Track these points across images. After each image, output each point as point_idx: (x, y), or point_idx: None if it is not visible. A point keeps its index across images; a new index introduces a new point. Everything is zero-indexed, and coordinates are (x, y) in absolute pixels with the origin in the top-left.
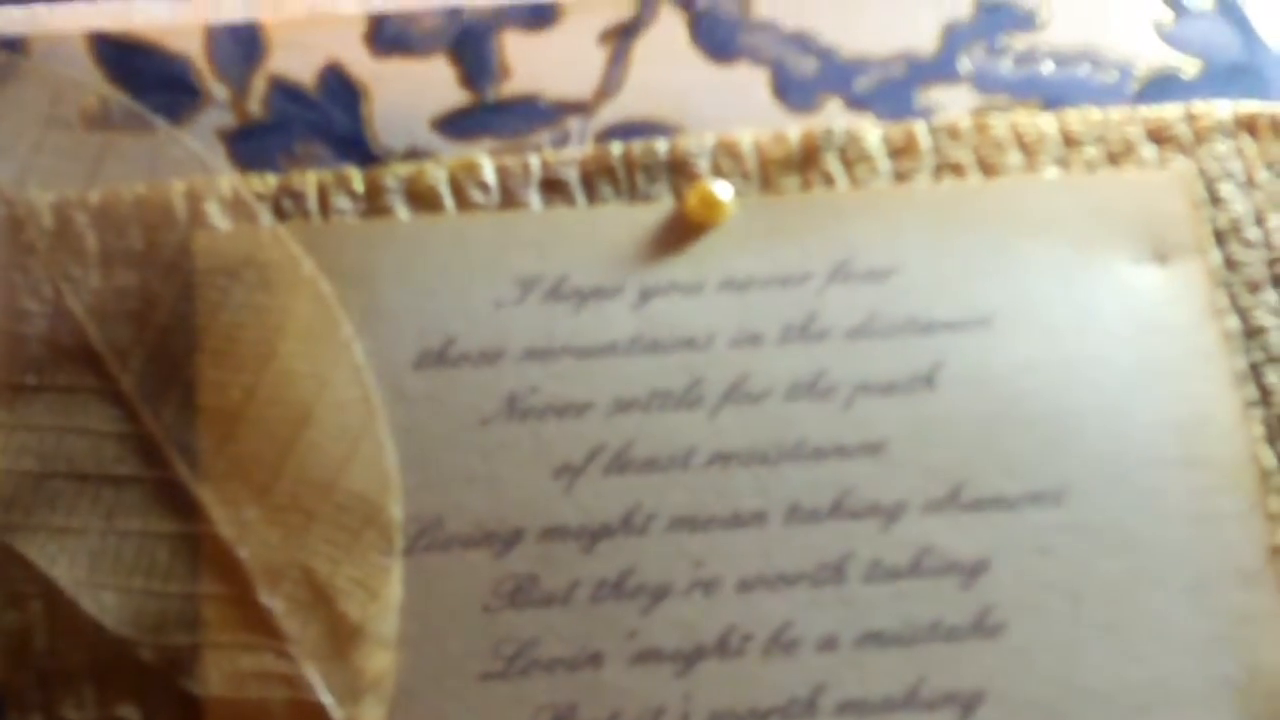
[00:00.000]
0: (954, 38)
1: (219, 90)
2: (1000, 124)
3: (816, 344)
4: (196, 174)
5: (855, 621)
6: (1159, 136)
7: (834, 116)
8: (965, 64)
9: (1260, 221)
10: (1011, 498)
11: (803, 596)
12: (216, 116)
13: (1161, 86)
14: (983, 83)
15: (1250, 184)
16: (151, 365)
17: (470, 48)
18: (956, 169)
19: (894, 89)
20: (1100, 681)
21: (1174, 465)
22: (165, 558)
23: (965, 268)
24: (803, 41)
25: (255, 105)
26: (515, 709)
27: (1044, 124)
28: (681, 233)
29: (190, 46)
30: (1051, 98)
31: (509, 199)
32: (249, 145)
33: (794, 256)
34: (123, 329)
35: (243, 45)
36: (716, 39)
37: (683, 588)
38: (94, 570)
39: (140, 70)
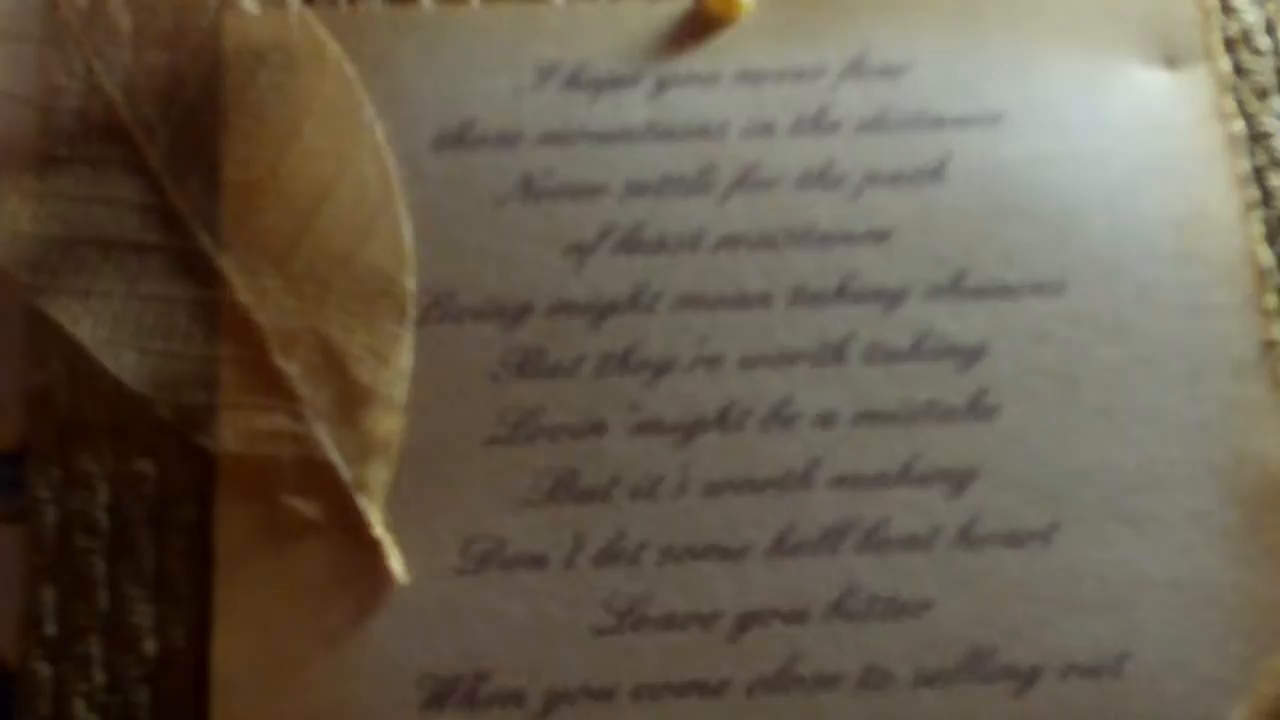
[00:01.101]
0: None
1: None
2: None
3: (828, 135)
4: None
5: (853, 400)
6: None
7: None
8: None
9: (1271, 30)
10: (1012, 286)
11: (803, 374)
12: None
13: None
14: None
15: None
16: (178, 140)
17: None
18: None
19: None
20: (1091, 463)
21: (1172, 260)
22: (184, 321)
23: (977, 66)
24: None
25: None
26: (518, 472)
27: None
28: (700, 27)
29: None
30: None
31: None
32: None
33: (809, 52)
34: (151, 105)
35: None
36: None
37: (686, 363)
38: (116, 331)
39: None
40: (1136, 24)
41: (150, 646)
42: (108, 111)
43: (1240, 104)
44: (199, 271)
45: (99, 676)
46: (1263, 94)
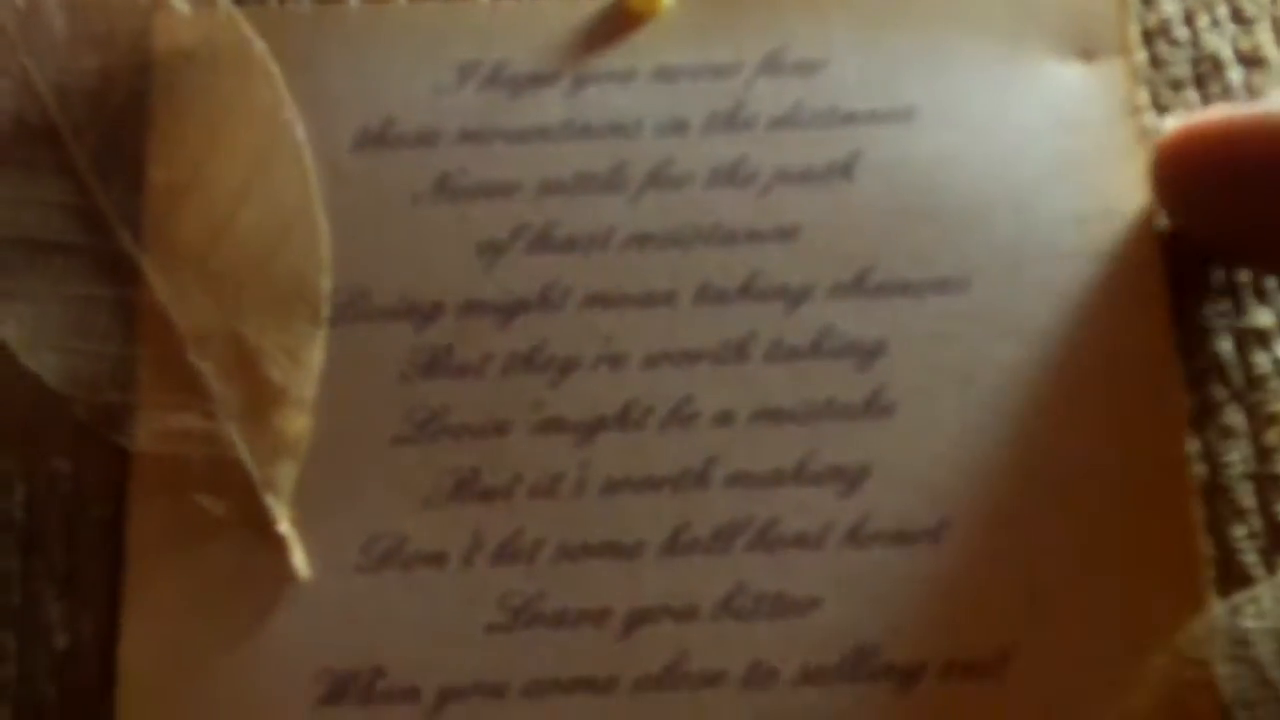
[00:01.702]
0: None
1: None
2: None
3: (740, 133)
4: None
5: (752, 398)
6: None
7: None
8: None
9: (1189, 22)
10: (915, 284)
11: (704, 373)
12: None
13: None
14: None
15: None
16: (106, 142)
17: None
18: None
19: None
20: (983, 461)
21: (1075, 257)
22: (105, 321)
23: (893, 62)
24: None
25: None
26: (422, 471)
27: None
28: (620, 24)
29: None
30: None
31: None
32: None
33: (727, 48)
34: (82, 107)
35: None
36: None
37: (590, 361)
38: (38, 332)
39: None
40: (1053, 17)
41: (60, 641)
42: (40, 113)
43: (1154, 97)
44: (121, 272)
45: (9, 670)
46: (1178, 86)
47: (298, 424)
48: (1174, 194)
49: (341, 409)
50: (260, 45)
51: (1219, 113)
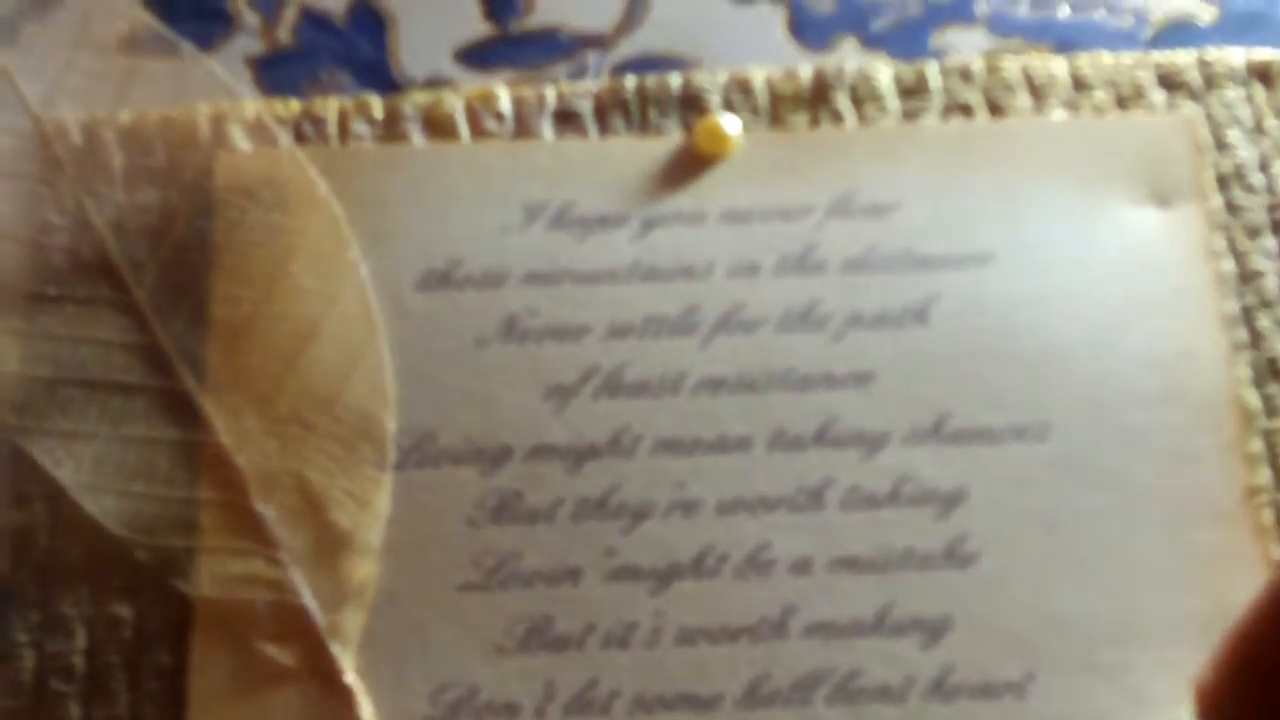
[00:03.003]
0: None
1: (250, 18)
2: (1011, 66)
3: (812, 276)
4: (222, 99)
5: (830, 546)
6: (1169, 82)
7: (848, 55)
8: (982, 6)
9: (1265, 168)
10: (993, 430)
11: (780, 520)
12: (246, 44)
13: (1176, 32)
14: (998, 25)
15: (1258, 130)
16: (166, 279)
17: None
18: (965, 109)
19: (910, 30)
20: (1069, 613)
21: (1156, 403)
22: (166, 464)
23: (966, 205)
24: None
25: (284, 33)
26: (492, 619)
27: (1054, 67)
28: (688, 165)
29: None
30: (1065, 42)
31: (523, 129)
32: (276, 72)
33: (796, 190)
34: (141, 244)
35: None
36: None
37: (663, 508)
38: (98, 474)
39: None
40: (1127, 161)
41: None
42: (98, 249)
43: (1231, 242)
44: (182, 413)
45: None
46: (1254, 232)
47: (364, 570)
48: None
49: (409, 555)
50: (323, 184)
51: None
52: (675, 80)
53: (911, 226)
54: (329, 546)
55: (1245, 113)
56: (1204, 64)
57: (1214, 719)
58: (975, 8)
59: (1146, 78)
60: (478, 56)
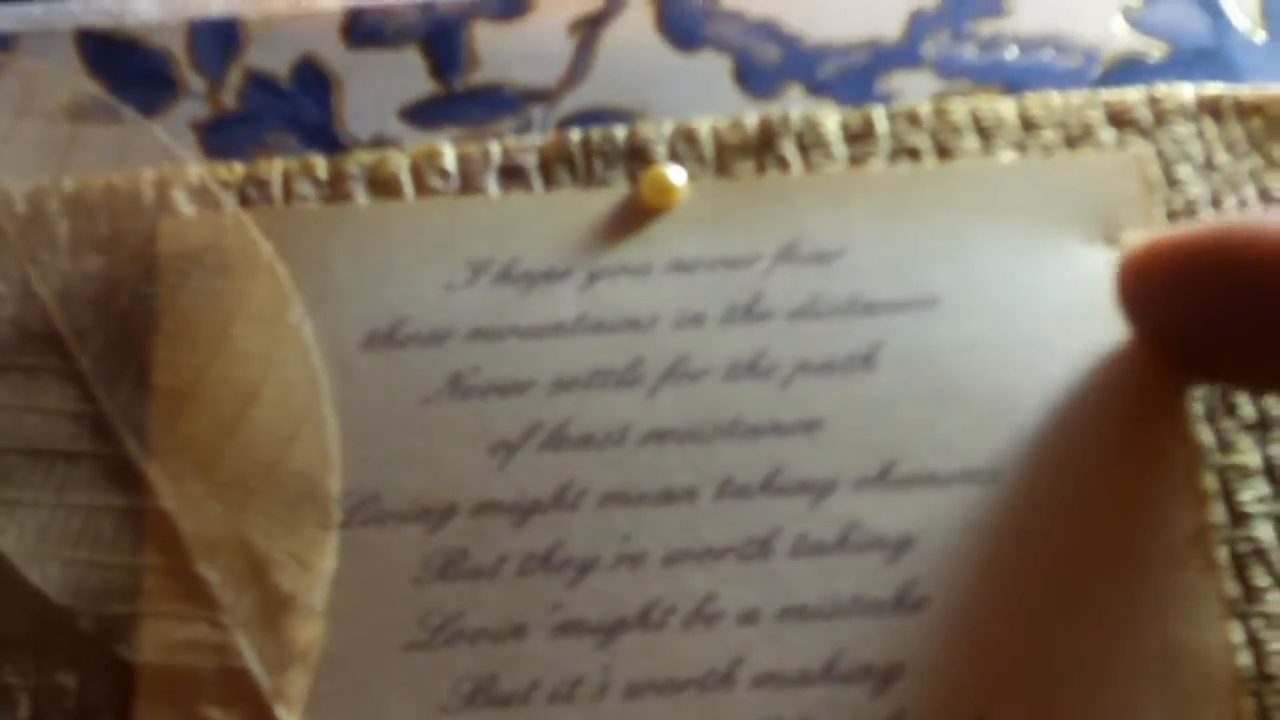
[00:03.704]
0: (919, 24)
1: (196, 83)
2: (959, 109)
3: (759, 324)
4: (166, 164)
5: (778, 595)
6: (1119, 120)
7: (794, 103)
8: (929, 50)
9: (1216, 203)
10: (942, 475)
11: (728, 571)
12: (192, 108)
13: (1126, 70)
14: (945, 68)
15: (1209, 166)
16: (110, 347)
17: (441, 39)
18: (913, 153)
19: (856, 76)
20: (1020, 656)
21: (1108, 445)
22: (110, 530)
23: (913, 249)
24: (768, 29)
25: (230, 97)
26: (437, 678)
27: (1003, 108)
28: (634, 217)
29: (173, 42)
30: (1014, 83)
31: (468, 185)
32: (222, 136)
33: (743, 239)
34: (86, 312)
35: (222, 39)
36: (683, 28)
37: (609, 562)
38: (41, 542)
39: (123, 65)
40: (1077, 200)
41: None
42: (42, 319)
43: None
44: (126, 478)
45: None
46: None
47: (308, 632)
48: (1138, 313)
49: (354, 615)
50: (267, 246)
51: (1180, 229)
52: (620, 132)
53: (858, 272)
54: (273, 609)
55: (1196, 148)
56: (1154, 100)
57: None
58: (922, 51)
59: (1096, 116)
60: (423, 115)
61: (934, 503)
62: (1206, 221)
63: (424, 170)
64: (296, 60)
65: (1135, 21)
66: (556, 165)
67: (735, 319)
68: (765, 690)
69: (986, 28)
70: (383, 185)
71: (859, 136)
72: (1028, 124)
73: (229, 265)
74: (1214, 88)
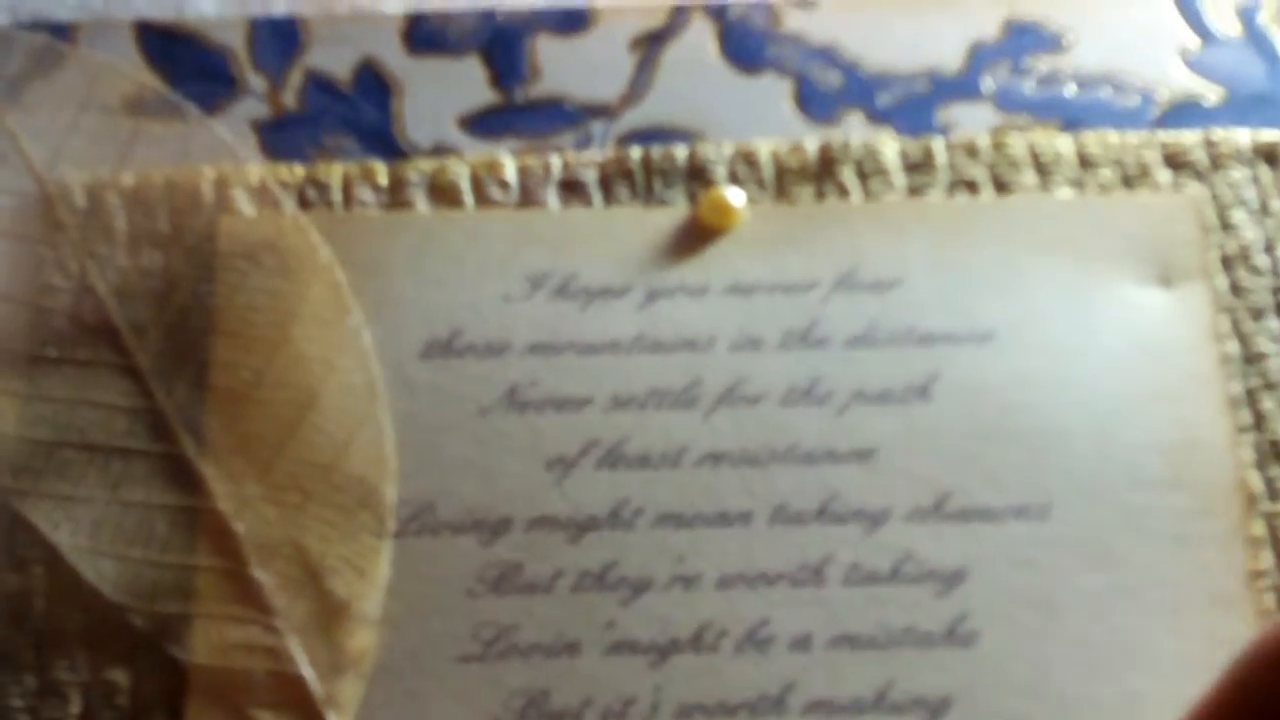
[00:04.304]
0: (979, 56)
1: (256, 82)
2: (1018, 143)
3: (816, 351)
4: (226, 162)
5: (830, 623)
6: (1175, 162)
7: (854, 129)
8: (988, 83)
9: (1270, 249)
10: (995, 510)
11: (781, 596)
12: (252, 107)
13: (1182, 112)
14: (1004, 102)
15: (1263, 211)
16: (168, 344)
17: (502, 49)
18: (971, 186)
19: (916, 105)
20: (1069, 694)
21: (1159, 486)
22: (164, 529)
23: (970, 282)
24: (829, 55)
25: (290, 97)
26: (489, 691)
27: (1061, 145)
28: (693, 237)
29: (233, 39)
30: (1072, 119)
31: (528, 198)
32: (281, 136)
33: (801, 264)
34: (143, 308)
35: (282, 39)
36: (745, 50)
37: (663, 582)
38: (95, 538)
39: (182, 60)
40: (1132, 241)
41: None
42: (99, 313)
43: (1235, 324)
44: (181, 478)
45: None
46: (1259, 314)
47: (362, 639)
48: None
49: (407, 625)
50: (326, 250)
51: None
52: (681, 151)
53: (915, 303)
54: (327, 615)
55: (1251, 193)
56: (1210, 144)
57: None
58: (982, 84)
59: (1152, 157)
60: (483, 124)
61: (986, 537)
62: None
63: (484, 180)
64: (357, 63)
65: (1193, 64)
66: (617, 181)
67: (792, 344)
68: (817, 717)
69: (1045, 63)
70: (443, 194)
71: (918, 166)
72: (1085, 161)
73: (288, 267)
74: (1270, 134)
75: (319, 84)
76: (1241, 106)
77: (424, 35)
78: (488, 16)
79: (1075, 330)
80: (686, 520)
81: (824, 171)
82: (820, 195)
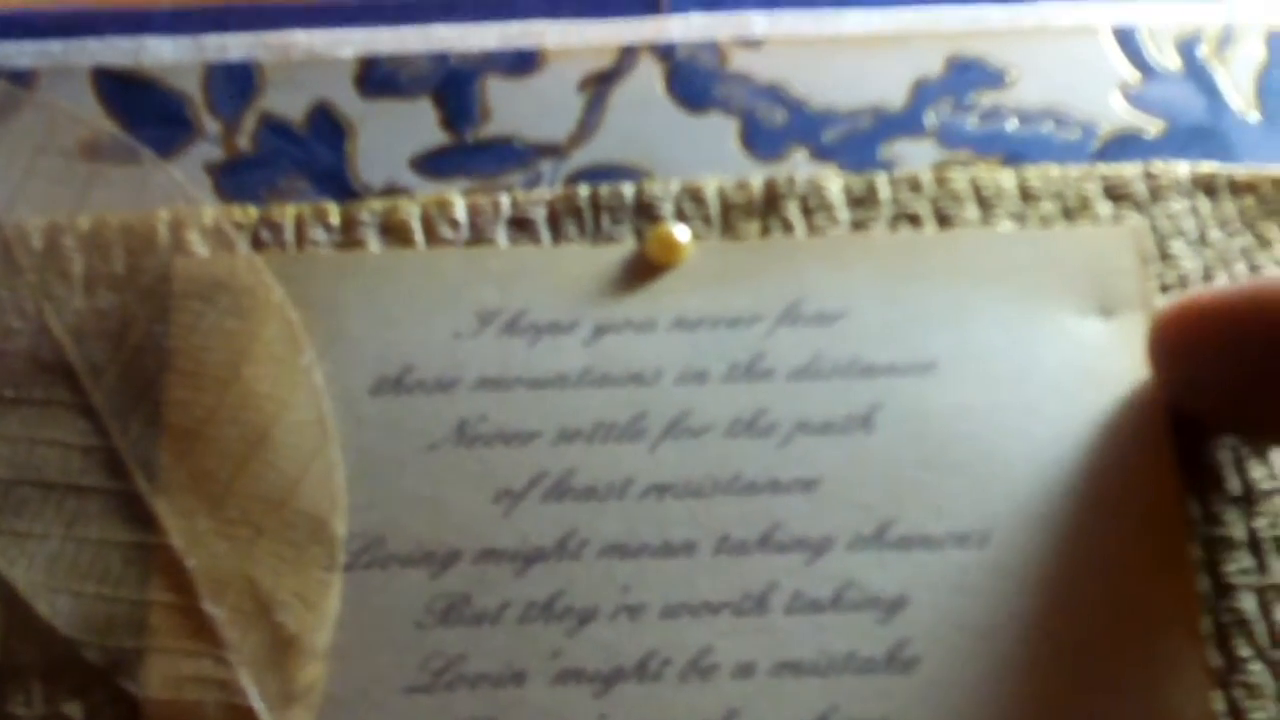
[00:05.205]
0: (923, 93)
1: (211, 125)
2: (960, 178)
3: (760, 383)
4: (181, 204)
5: (773, 650)
6: (1115, 194)
7: (799, 166)
8: (931, 119)
9: (1208, 278)
10: (935, 537)
11: (724, 624)
12: (207, 150)
13: (1123, 146)
14: (947, 137)
15: (1202, 242)
16: (123, 383)
17: (454, 91)
18: (914, 220)
19: (860, 141)
20: (1011, 718)
21: (1098, 513)
22: (119, 565)
23: (913, 314)
24: (775, 93)
25: (244, 140)
26: None
27: (1003, 179)
28: (640, 273)
29: (189, 84)
30: (1014, 154)
31: (478, 235)
32: (235, 178)
33: (746, 298)
34: (99, 348)
35: (238, 83)
36: (692, 89)
37: (609, 612)
38: (51, 574)
39: (139, 105)
40: (1073, 272)
41: None
42: (56, 353)
43: None
44: (135, 514)
45: None
46: None
47: (312, 672)
48: (1171, 367)
49: (356, 657)
50: (279, 289)
51: (1216, 288)
52: (628, 189)
53: (858, 335)
54: (277, 648)
55: (1190, 224)
56: (1150, 176)
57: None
58: (925, 120)
59: (1093, 189)
60: (434, 165)
61: (927, 564)
62: (1240, 281)
63: (435, 219)
64: (311, 106)
65: (1133, 98)
66: (565, 219)
67: (737, 377)
68: None
69: (988, 99)
70: (394, 233)
71: (861, 201)
72: (1026, 195)
73: (241, 306)
74: (1209, 166)
75: (273, 127)
76: (1181, 139)
77: (377, 78)
78: (440, 59)
79: (1016, 360)
80: (632, 551)
81: (769, 207)
82: (765, 231)
